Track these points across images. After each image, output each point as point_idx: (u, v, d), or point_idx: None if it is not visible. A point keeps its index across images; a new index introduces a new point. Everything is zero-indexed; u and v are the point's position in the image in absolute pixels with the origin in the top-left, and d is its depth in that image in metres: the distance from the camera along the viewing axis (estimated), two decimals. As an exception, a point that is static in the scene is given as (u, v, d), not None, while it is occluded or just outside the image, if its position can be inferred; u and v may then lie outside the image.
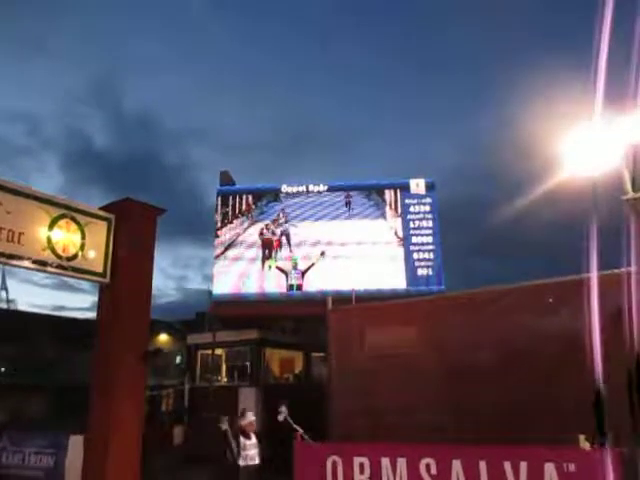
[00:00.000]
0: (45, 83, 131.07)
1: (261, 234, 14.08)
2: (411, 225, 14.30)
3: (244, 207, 14.03)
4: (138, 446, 10.46)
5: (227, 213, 13.85)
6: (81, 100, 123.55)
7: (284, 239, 14.15)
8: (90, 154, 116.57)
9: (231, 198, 13.91)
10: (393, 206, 14.39)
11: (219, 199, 13.95)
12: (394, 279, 13.82)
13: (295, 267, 14.01)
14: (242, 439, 8.15)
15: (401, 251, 14.11)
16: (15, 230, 9.54)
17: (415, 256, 14.03)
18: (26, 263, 9.82)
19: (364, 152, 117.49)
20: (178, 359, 34.61)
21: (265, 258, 13.97)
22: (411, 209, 14.42)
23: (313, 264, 14.10)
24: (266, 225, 14.06)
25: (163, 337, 39.20)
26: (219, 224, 13.61)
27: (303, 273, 13.97)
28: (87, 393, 10.86)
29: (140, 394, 10.98)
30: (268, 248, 13.82)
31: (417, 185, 14.48)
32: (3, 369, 27.48)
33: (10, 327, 25.79)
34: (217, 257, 13.37)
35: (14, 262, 9.67)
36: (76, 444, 10.82)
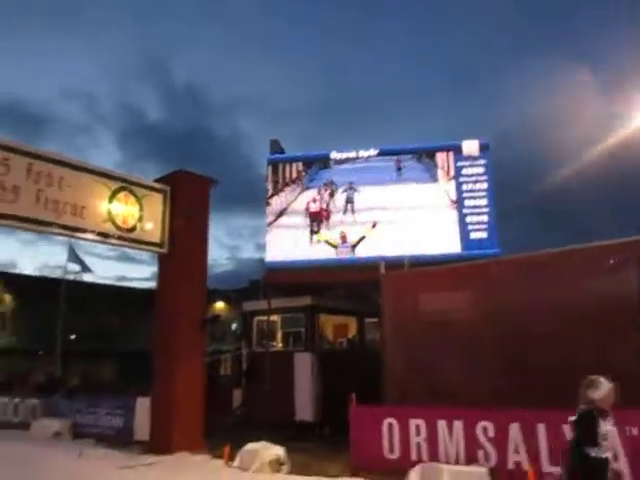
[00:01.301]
0: (99, 60, 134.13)
1: (307, 208, 13.98)
2: (464, 188, 13.93)
3: (294, 175, 14.08)
4: (201, 406, 10.96)
5: (278, 181, 13.95)
6: (134, 76, 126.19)
7: (333, 207, 14.13)
8: (144, 129, 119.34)
9: (281, 166, 13.96)
10: (445, 169, 14.04)
11: (269, 168, 14.02)
12: (447, 243, 13.56)
13: (344, 240, 13.94)
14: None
15: (454, 215, 13.81)
16: (78, 204, 10.00)
17: (468, 219, 13.71)
18: (90, 235, 10.30)
19: (410, 115, 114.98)
20: (234, 326, 35.65)
21: (313, 232, 13.97)
22: (464, 171, 14.04)
23: (364, 237, 13.98)
24: (318, 191, 14.03)
25: (219, 305, 40.44)
26: (270, 192, 13.71)
27: (353, 247, 13.90)
28: (149, 359, 11.41)
29: (200, 358, 11.45)
30: (316, 220, 13.85)
31: (470, 146, 14.04)
32: (73, 337, 29.14)
33: (79, 297, 27.23)
34: (269, 225, 13.52)
35: (79, 235, 10.16)
36: (143, 405, 11.43)
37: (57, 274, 38.45)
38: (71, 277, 26.28)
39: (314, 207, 14.25)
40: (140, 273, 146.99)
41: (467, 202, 14.03)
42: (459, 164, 14.27)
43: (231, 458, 9.32)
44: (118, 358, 26.47)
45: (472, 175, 14.18)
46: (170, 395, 10.58)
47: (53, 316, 25.10)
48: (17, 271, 52.23)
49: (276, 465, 8.81)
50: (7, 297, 37.53)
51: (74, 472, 8.97)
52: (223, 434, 11.13)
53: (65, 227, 9.82)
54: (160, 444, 10.35)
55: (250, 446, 9.17)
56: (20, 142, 9.64)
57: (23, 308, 35.74)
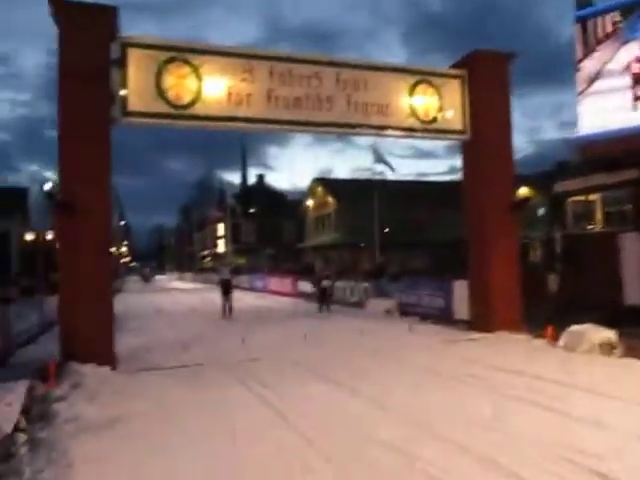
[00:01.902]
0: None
1: (629, 67, 11.52)
2: None
3: (608, 29, 11.87)
4: (518, 286, 10.98)
5: (587, 42, 12.00)
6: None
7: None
8: (428, 21, 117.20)
9: (591, 23, 11.81)
10: None
11: (577, 26, 12.10)
12: None
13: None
14: None
15: None
16: (382, 103, 10.60)
17: None
18: (396, 132, 10.91)
19: None
20: (540, 211, 33.81)
21: (638, 98, 11.62)
22: None
23: None
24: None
25: (523, 190, 38.64)
26: (580, 55, 11.90)
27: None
28: (458, 247, 11.77)
29: (514, 240, 11.32)
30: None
31: None
32: (387, 230, 32.13)
33: (388, 195, 29.75)
34: (580, 94, 11.83)
35: (387, 132, 10.85)
36: (460, 287, 12.07)
37: (366, 175, 42.42)
38: (378, 177, 28.64)
39: (638, 67, 11.83)
40: (437, 168, 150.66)
41: None
42: None
43: (554, 339, 9.22)
44: (428, 248, 28.23)
45: None
46: (487, 276, 10.88)
47: (368, 213, 28.09)
48: (333, 176, 59.29)
49: (607, 348, 8.37)
50: (330, 199, 43.41)
51: (406, 342, 10.23)
52: (540, 317, 11.02)
53: (373, 127, 10.59)
54: (480, 323, 10.89)
55: (576, 327, 8.89)
56: (328, 54, 10.57)
57: (343, 208, 40.89)
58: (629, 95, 11.78)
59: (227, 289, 16.21)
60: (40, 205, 31.17)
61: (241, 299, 17.43)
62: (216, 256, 60.17)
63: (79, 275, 8.30)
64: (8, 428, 4.94)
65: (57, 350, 8.37)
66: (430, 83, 10.94)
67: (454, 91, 11.12)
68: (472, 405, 5.74)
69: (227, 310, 15.90)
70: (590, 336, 8.50)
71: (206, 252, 65.86)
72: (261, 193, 61.99)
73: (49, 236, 28.62)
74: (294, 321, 14.28)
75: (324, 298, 16.71)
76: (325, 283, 16.90)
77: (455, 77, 11.21)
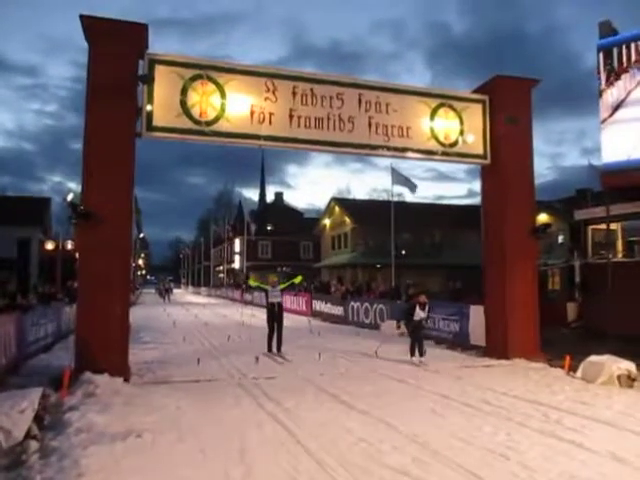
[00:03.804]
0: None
1: None
2: None
3: (634, 58, 11.81)
4: (535, 313, 10.82)
5: (612, 69, 11.94)
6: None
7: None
8: (451, 43, 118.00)
9: (615, 50, 11.79)
10: None
11: (600, 54, 12.03)
12: None
13: None
14: None
15: None
16: (403, 125, 10.65)
17: None
18: (416, 154, 10.93)
19: None
20: (560, 238, 33.44)
21: None
22: None
23: None
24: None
25: (542, 217, 38.30)
26: (603, 84, 11.82)
27: None
28: (473, 270, 11.66)
29: (532, 267, 11.19)
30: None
31: None
32: (404, 252, 32.04)
33: (405, 217, 29.70)
34: (604, 121, 11.73)
35: (407, 154, 10.87)
36: (476, 312, 11.93)
37: (383, 197, 42.37)
38: (396, 199, 28.61)
39: None
40: (456, 191, 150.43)
41: None
42: None
43: (572, 369, 9.04)
44: (444, 269, 28.11)
45: None
46: (504, 301, 10.74)
47: (385, 234, 28.01)
48: (351, 197, 59.41)
49: (626, 380, 8.18)
50: (347, 219, 43.43)
51: (421, 366, 10.10)
52: (559, 346, 10.83)
53: (394, 149, 10.62)
54: (497, 349, 10.73)
55: (594, 358, 8.71)
56: (350, 76, 10.70)
57: (360, 228, 40.87)
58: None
59: (277, 316, 11.35)
60: (61, 215, 31.70)
61: (257, 315, 17.37)
62: (231, 272, 60.39)
63: (97, 286, 8.40)
64: (20, 435, 4.97)
65: (71, 359, 8.44)
66: (451, 107, 10.99)
67: (475, 115, 11.14)
68: (486, 433, 5.64)
69: (275, 344, 11.33)
70: (609, 367, 8.31)
71: (221, 267, 66.20)
72: (279, 211, 62.32)
73: (69, 246, 29.03)
74: (306, 339, 14.20)
75: (418, 336, 10.53)
76: (420, 315, 10.52)
77: (477, 102, 11.24)
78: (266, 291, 11.55)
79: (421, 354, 10.30)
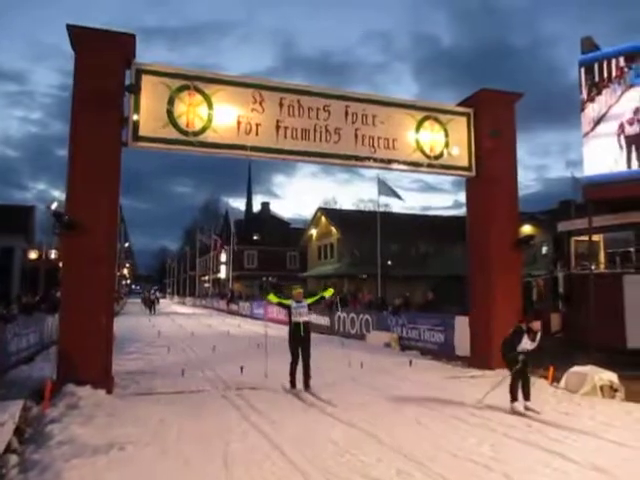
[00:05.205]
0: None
1: (622, 126, 11.44)
2: None
3: (614, 73, 12.05)
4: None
5: (593, 84, 12.17)
6: (426, 2, 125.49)
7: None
8: (439, 56, 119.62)
9: (597, 66, 12.02)
10: None
11: (582, 70, 12.30)
12: None
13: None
14: None
15: None
16: (389, 137, 10.75)
17: None
18: (401, 166, 11.02)
19: None
20: (544, 249, 33.80)
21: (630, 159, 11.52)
22: None
23: None
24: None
25: (526, 228, 38.69)
26: (585, 98, 12.03)
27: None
28: (460, 281, 11.78)
29: (517, 278, 11.30)
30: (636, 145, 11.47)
31: None
32: (390, 262, 32.11)
33: (391, 227, 29.82)
34: (586, 135, 11.90)
35: (393, 166, 10.96)
36: (461, 324, 12.00)
37: (369, 207, 42.55)
38: (382, 209, 28.76)
39: (630, 130, 11.62)
40: (442, 202, 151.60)
41: None
42: None
43: (555, 379, 9.12)
44: (430, 280, 28.23)
45: None
46: (488, 313, 10.82)
47: (371, 244, 28.09)
48: (338, 207, 59.53)
49: (609, 391, 8.27)
50: (333, 229, 43.51)
51: (406, 377, 10.12)
52: (542, 356, 10.89)
53: (380, 160, 10.71)
54: (481, 360, 10.78)
55: (577, 369, 8.80)
56: (337, 88, 10.79)
57: (346, 238, 40.95)
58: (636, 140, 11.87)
59: (304, 340, 8.83)
60: (45, 224, 31.31)
61: (242, 326, 17.27)
62: (217, 282, 60.04)
63: (80, 296, 8.31)
64: None
65: (53, 371, 8.32)
66: (437, 119, 11.12)
67: (460, 128, 11.28)
68: (470, 443, 5.67)
69: (302, 377, 8.72)
70: (592, 378, 8.40)
71: (207, 277, 65.81)
72: (265, 220, 62.26)
73: (53, 255, 28.70)
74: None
75: (524, 373, 7.56)
76: (527, 346, 7.71)
77: (461, 114, 11.39)
78: (289, 307, 8.96)
79: (527, 397, 7.39)
